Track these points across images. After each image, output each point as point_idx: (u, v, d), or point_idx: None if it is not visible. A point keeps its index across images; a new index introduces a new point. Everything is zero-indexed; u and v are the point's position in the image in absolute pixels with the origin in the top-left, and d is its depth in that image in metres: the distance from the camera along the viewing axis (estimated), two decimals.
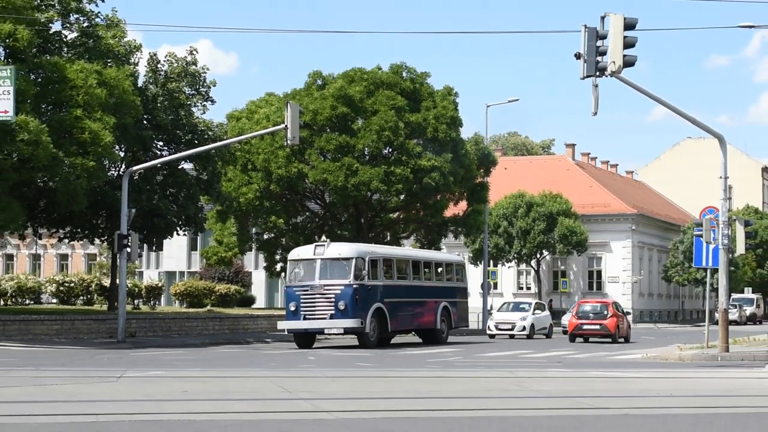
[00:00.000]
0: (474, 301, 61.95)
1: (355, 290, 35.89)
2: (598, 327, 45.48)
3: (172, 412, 13.74)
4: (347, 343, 38.89)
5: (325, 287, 35.99)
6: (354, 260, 36.37)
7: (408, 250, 48.61)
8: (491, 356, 32.45)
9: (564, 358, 31.10)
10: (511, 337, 49.06)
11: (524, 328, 49.10)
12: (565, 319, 53.58)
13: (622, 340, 45.85)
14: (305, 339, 37.45)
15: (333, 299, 35.70)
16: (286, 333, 38.56)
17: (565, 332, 50.71)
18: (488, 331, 50.87)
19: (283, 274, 65.88)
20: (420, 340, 42.54)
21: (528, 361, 29.64)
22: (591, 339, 45.84)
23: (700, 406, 16.05)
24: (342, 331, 36.79)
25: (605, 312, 46.02)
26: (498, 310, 53.80)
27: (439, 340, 41.71)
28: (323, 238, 44.43)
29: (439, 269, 45.13)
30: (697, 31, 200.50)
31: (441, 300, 42.57)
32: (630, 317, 58.53)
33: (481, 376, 21.87)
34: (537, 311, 51.78)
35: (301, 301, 36.24)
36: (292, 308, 36.70)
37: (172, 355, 29.36)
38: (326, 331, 37.29)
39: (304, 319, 36.22)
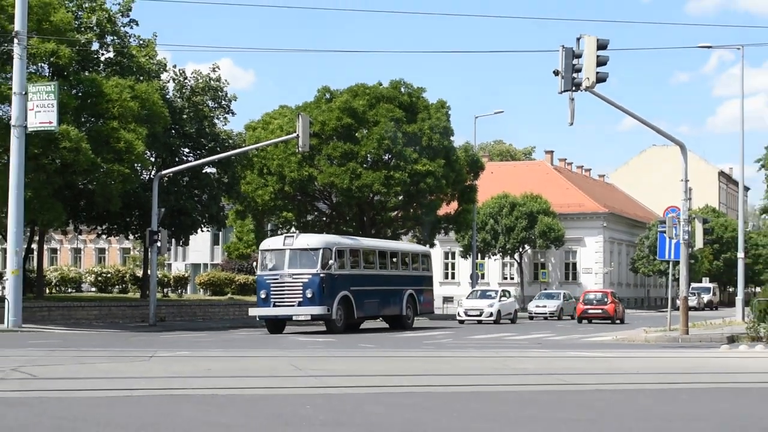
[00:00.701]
0: (465, 289, 61.93)
1: (321, 279, 34.18)
2: (600, 311, 50.97)
3: (197, 387, 13.78)
4: (316, 329, 36.95)
5: (294, 276, 34.32)
6: (321, 251, 34.58)
7: (376, 241, 45.42)
8: (478, 338, 32.43)
9: (543, 340, 31.12)
10: (479, 322, 47.44)
11: (491, 314, 47.73)
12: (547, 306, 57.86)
13: (618, 321, 50.16)
14: (275, 325, 35.58)
15: (301, 287, 34.11)
16: (257, 319, 36.38)
17: (531, 317, 55.43)
18: (457, 317, 49.41)
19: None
20: (386, 326, 40.75)
21: (511, 343, 29.63)
22: (594, 321, 49.96)
23: (663, 381, 16.08)
24: (309, 317, 34.71)
25: (605, 299, 51.78)
26: (467, 298, 51.64)
27: (404, 325, 39.98)
28: (292, 230, 41.11)
29: (406, 259, 43.03)
30: (661, 50, 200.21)
31: (407, 288, 40.91)
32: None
33: (469, 356, 21.88)
34: (503, 298, 50.44)
35: (271, 288, 34.56)
36: (263, 295, 34.95)
37: (197, 337, 29.53)
38: (294, 318, 34.91)
39: (274, 306, 34.48)
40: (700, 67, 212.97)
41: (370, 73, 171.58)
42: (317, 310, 34.11)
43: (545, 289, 78.07)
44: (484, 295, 51.29)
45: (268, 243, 37.33)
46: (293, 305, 34.13)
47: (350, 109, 53.38)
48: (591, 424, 10.62)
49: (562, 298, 58.41)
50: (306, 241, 35.27)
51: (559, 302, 57.69)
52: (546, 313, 56.67)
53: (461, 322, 48.27)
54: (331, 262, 34.63)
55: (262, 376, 15.68)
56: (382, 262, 40.36)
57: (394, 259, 41.58)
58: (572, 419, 10.98)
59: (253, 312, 35.96)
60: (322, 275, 34.10)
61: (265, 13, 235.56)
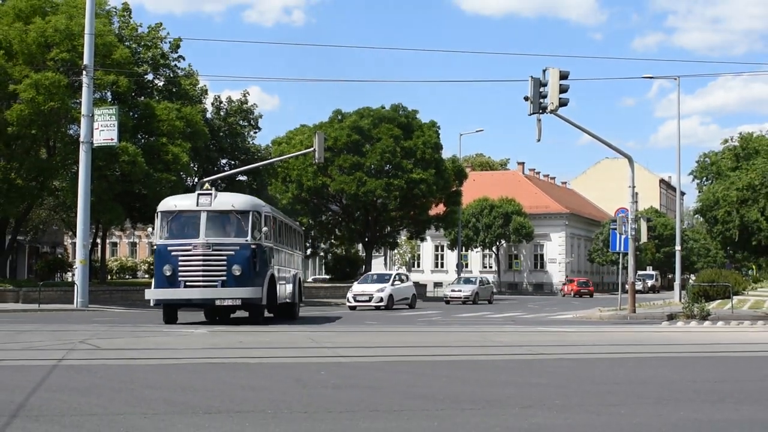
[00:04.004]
0: (452, 276, 61.80)
1: (253, 251, 21.71)
2: (586, 291, 70.51)
3: (231, 357, 13.75)
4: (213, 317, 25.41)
5: (215, 247, 21.41)
6: (250, 214, 21.96)
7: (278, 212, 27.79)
8: (462, 316, 32.35)
9: (516, 318, 31.04)
10: (377, 308, 37.79)
11: (381, 299, 38.13)
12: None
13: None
14: (174, 311, 22.88)
15: (225, 262, 21.39)
16: (151, 305, 22.94)
17: (447, 302, 49.26)
18: (347, 303, 38.97)
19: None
20: (271, 315, 25.91)
21: (490, 320, 29.57)
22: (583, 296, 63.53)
23: (614, 352, 16.03)
24: (239, 302, 21.89)
25: (589, 284, 70.96)
26: (358, 282, 41.22)
27: (292, 314, 27.06)
28: (206, 186, 26.06)
29: (296, 237, 29.98)
30: (612, 80, 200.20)
31: (296, 270, 28.31)
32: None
33: (454, 331, 21.84)
34: (397, 282, 40.71)
35: (181, 263, 21.32)
36: (167, 272, 21.33)
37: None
38: (218, 303, 21.70)
39: (185, 286, 21.35)
40: (643, 93, 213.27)
41: (374, 98, 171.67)
42: (249, 292, 21.66)
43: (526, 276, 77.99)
44: (378, 279, 41.00)
45: (173, 202, 22.88)
46: (214, 285, 21.40)
47: (358, 128, 53.46)
48: (556, 387, 10.58)
49: (478, 284, 52.18)
50: (230, 201, 22.54)
51: (475, 287, 51.14)
52: (462, 298, 49.71)
53: (352, 308, 38.05)
54: (264, 229, 22.41)
55: (285, 347, 15.64)
56: (288, 238, 27.43)
57: (292, 237, 28.84)
58: (541, 383, 10.94)
59: (152, 294, 22.12)
60: (253, 246, 21.75)
61: (288, 49, 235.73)
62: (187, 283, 21.44)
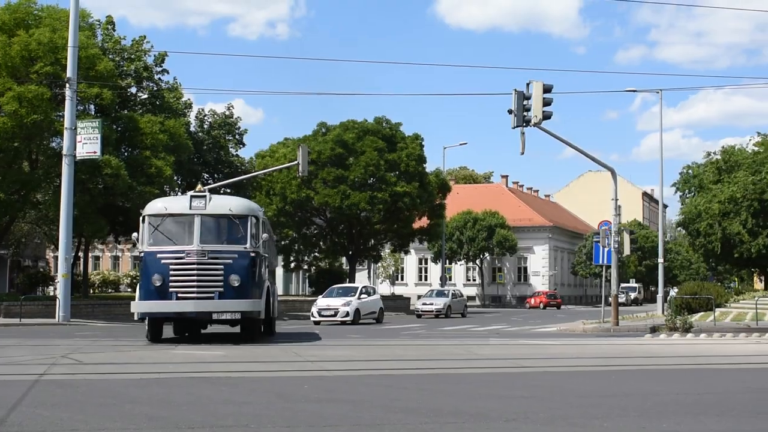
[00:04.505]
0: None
1: (252, 260, 19.55)
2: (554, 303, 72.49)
3: (213, 371, 13.68)
4: (214, 333, 23.73)
5: (211, 255, 19.13)
6: (249, 219, 19.76)
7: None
8: (446, 329, 32.34)
9: (500, 331, 31.06)
10: (342, 323, 35.58)
11: (347, 314, 35.96)
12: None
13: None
14: (160, 327, 20.58)
15: (222, 272, 19.15)
16: (135, 318, 20.34)
17: (419, 315, 48.00)
18: (311, 318, 36.68)
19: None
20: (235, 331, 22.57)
21: (473, 333, 29.56)
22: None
23: (598, 365, 16.06)
24: (238, 316, 19.46)
25: (556, 296, 74.47)
26: (323, 296, 38.87)
27: (271, 330, 23.86)
28: (199, 188, 21.75)
29: (273, 247, 26.56)
30: (595, 93, 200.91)
31: (273, 283, 23.99)
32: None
33: (438, 344, 21.82)
34: (363, 296, 38.38)
35: (172, 272, 19.01)
36: (157, 282, 18.99)
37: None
38: (216, 317, 19.36)
39: (178, 298, 19.02)
40: (626, 106, 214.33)
41: (358, 110, 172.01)
42: (248, 305, 19.46)
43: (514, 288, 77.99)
44: (343, 292, 38.50)
45: (162, 205, 20.52)
46: (211, 297, 19.12)
47: (342, 141, 53.45)
48: (539, 399, 10.58)
49: (451, 296, 50.25)
50: (227, 204, 20.25)
51: (447, 300, 49.29)
52: (434, 311, 47.98)
53: (316, 323, 35.78)
54: (264, 236, 20.41)
55: (267, 361, 15.58)
56: (267, 248, 22.50)
57: (271, 246, 25.08)
58: (525, 396, 10.94)
59: (139, 307, 19.58)
60: (252, 254, 19.61)
61: (272, 62, 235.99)
62: (180, 295, 18.98)
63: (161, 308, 19.33)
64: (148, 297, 19.28)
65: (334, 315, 36.00)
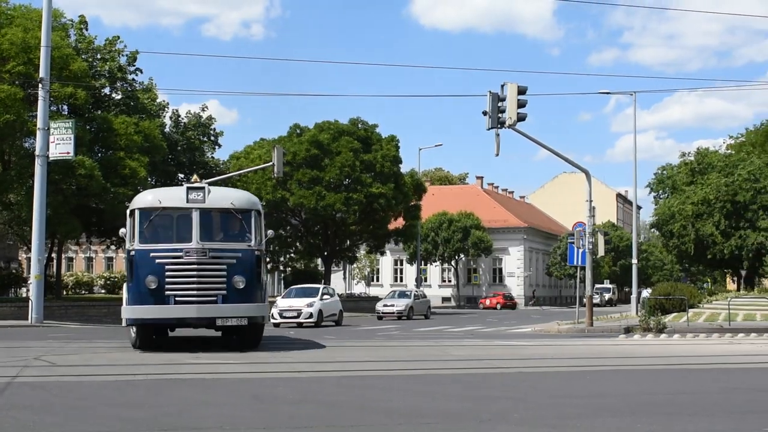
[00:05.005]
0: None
1: (257, 259, 17.65)
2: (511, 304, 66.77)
3: (187, 372, 13.62)
4: (203, 334, 21.10)
5: (213, 253, 17.05)
6: (252, 213, 17.82)
7: None
8: (421, 330, 32.33)
9: (475, 332, 31.11)
10: (299, 325, 33.64)
11: (311, 315, 34.06)
12: None
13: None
14: (152, 335, 18.36)
15: (224, 272, 17.11)
16: (124, 324, 18.11)
17: (380, 317, 45.16)
18: (272, 320, 33.71)
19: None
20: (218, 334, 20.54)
21: (449, 335, 29.57)
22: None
23: (572, 365, 16.13)
24: (245, 322, 17.37)
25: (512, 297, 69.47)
26: (282, 297, 36.83)
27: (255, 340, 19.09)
28: (195, 178, 20.40)
29: None
30: (569, 95, 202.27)
31: None
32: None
33: (414, 345, 21.84)
34: (326, 297, 36.54)
35: (169, 274, 16.82)
36: (151, 285, 16.75)
37: (190, 332, 29.06)
38: (220, 322, 17.30)
39: (176, 303, 16.85)
40: (600, 108, 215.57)
41: (333, 111, 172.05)
42: (255, 309, 17.56)
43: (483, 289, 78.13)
44: (303, 293, 36.48)
45: (153, 197, 18.08)
46: (213, 301, 17.05)
47: (317, 142, 53.38)
48: (515, 400, 10.61)
49: (413, 297, 47.97)
50: (228, 197, 18.16)
51: (409, 301, 47.00)
52: (395, 313, 45.45)
53: (276, 325, 33.59)
54: (268, 232, 18.91)
55: (241, 362, 15.53)
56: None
57: None
58: (500, 397, 10.97)
59: (131, 313, 17.26)
60: (257, 253, 17.70)
61: (247, 63, 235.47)
62: (178, 299, 16.82)
63: (158, 314, 17.00)
64: (141, 301, 16.94)
65: (297, 316, 34.08)
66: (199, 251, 16.98)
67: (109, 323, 34.63)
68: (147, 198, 17.95)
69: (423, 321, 43.16)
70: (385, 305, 46.91)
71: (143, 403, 10.07)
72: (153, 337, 18.39)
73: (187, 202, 17.39)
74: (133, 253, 17.15)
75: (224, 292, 17.06)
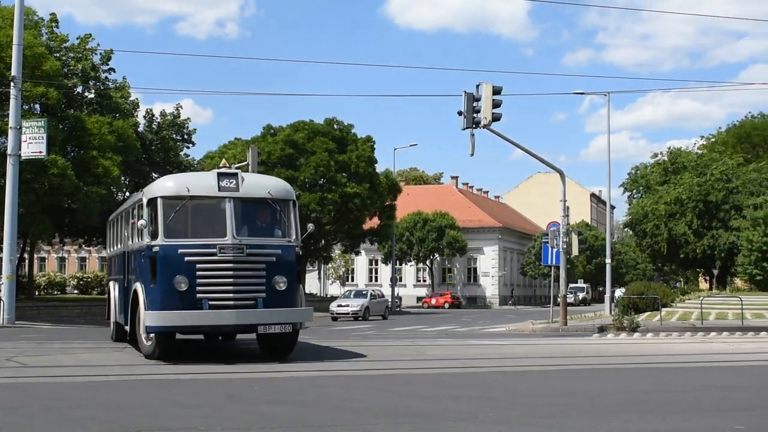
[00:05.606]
0: (386, 290, 61.87)
1: (297, 257, 15.64)
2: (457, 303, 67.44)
3: (162, 373, 13.54)
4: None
5: (251, 250, 14.82)
6: (290, 204, 15.91)
7: None
8: (396, 330, 32.35)
9: (450, 332, 31.15)
10: (355, 318, 33.22)
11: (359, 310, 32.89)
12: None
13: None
14: (175, 344, 15.86)
15: (264, 272, 14.90)
16: (144, 333, 15.09)
17: (334, 318, 42.94)
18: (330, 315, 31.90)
19: None
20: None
21: (423, 334, 29.58)
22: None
23: (547, 364, 16.20)
24: (290, 328, 15.04)
25: (458, 296, 69.13)
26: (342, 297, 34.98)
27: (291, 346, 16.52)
28: (223, 162, 17.19)
29: None
30: (544, 95, 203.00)
31: None
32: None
33: (388, 345, 21.85)
34: (374, 298, 36.25)
35: (200, 274, 14.50)
36: (181, 287, 14.36)
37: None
38: (262, 330, 14.78)
39: (211, 307, 14.41)
40: (575, 108, 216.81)
41: (308, 111, 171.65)
42: (300, 314, 15.51)
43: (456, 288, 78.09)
44: (356, 294, 35.30)
45: (176, 184, 15.54)
46: (252, 305, 14.72)
47: (292, 142, 53.32)
48: (489, 399, 10.65)
49: (369, 297, 46.29)
50: (264, 185, 15.99)
51: (365, 301, 45.27)
52: (350, 313, 43.68)
53: (334, 319, 34.35)
54: (311, 227, 17.57)
55: (215, 362, 15.47)
56: None
57: None
58: (474, 396, 11.00)
59: (156, 319, 14.43)
60: (297, 250, 15.69)
61: (222, 62, 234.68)
62: (213, 303, 14.50)
63: (190, 321, 14.59)
64: (169, 305, 14.46)
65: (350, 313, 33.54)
66: (235, 248, 14.75)
67: (82, 324, 34.40)
68: (170, 185, 15.52)
69: (383, 322, 41.20)
70: (339, 305, 44.95)
71: (117, 403, 10.02)
72: (177, 345, 16.07)
73: (219, 190, 15.14)
74: (156, 249, 14.66)
75: (264, 294, 14.88)
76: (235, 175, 15.38)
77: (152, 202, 15.13)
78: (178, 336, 16.30)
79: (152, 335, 14.99)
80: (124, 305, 17.27)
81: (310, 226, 17.22)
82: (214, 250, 14.62)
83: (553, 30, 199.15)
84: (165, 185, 15.54)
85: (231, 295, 14.61)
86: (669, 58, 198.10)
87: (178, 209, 14.97)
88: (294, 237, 15.57)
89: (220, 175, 15.28)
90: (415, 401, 10.43)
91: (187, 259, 14.53)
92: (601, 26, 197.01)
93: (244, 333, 16.11)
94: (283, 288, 15.00)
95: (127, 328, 16.88)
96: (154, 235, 14.83)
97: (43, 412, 9.29)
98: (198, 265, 14.53)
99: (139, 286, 15.13)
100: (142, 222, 14.95)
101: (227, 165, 16.32)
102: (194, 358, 16.04)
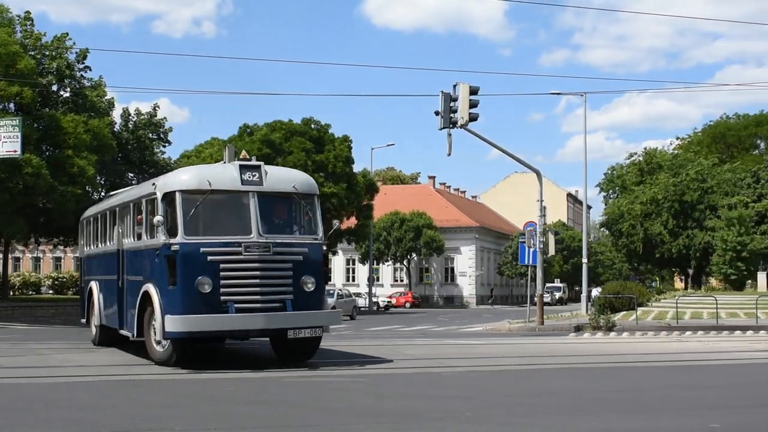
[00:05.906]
0: (363, 289, 61.84)
1: (324, 256, 15.31)
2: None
3: (139, 374, 13.49)
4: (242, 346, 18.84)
5: (278, 249, 13.92)
6: (315, 199, 15.03)
7: None
8: (373, 330, 32.37)
9: (427, 331, 31.19)
10: None
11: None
12: None
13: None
14: (194, 348, 14.20)
15: (291, 272, 14.01)
16: (162, 338, 13.84)
17: None
18: None
19: None
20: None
21: (401, 334, 29.61)
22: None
23: (523, 364, 16.25)
24: (320, 333, 14.45)
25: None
26: None
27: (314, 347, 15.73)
28: (243, 152, 15.65)
29: None
30: (520, 95, 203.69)
31: None
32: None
33: (365, 345, 21.86)
34: (340, 297, 34.76)
35: (224, 275, 13.46)
36: (204, 288, 13.29)
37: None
38: (291, 335, 13.88)
39: (237, 311, 13.34)
40: (551, 109, 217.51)
41: (285, 111, 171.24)
42: (329, 317, 15.19)
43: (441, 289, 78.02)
44: None
45: (199, 178, 14.33)
46: (280, 308, 13.84)
47: (269, 141, 53.22)
48: (466, 399, 10.69)
49: (336, 297, 44.42)
50: (289, 179, 15.10)
51: (332, 300, 42.40)
52: None
53: None
54: (336, 223, 17.36)
55: (195, 362, 15.42)
56: None
57: None
58: (451, 396, 11.03)
59: (178, 324, 13.31)
60: (324, 248, 15.08)
61: (198, 61, 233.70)
62: (239, 306, 13.46)
63: (216, 325, 13.52)
64: (192, 309, 13.32)
65: None
66: (261, 246, 13.75)
67: (57, 324, 34.20)
68: (190, 178, 14.32)
69: (355, 322, 40.57)
70: None
71: (93, 404, 9.98)
72: (198, 351, 14.66)
73: (242, 183, 14.13)
74: (176, 248, 13.54)
75: (291, 296, 13.94)
76: (258, 167, 14.49)
77: (169, 196, 14.02)
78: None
79: (167, 340, 13.84)
80: (120, 308, 16.14)
81: (336, 223, 16.49)
82: (239, 248, 13.64)
83: (530, 30, 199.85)
84: (183, 178, 14.39)
85: (258, 297, 13.67)
86: (645, 59, 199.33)
87: (199, 204, 13.88)
88: (320, 234, 14.76)
89: (243, 168, 14.35)
90: (392, 401, 10.45)
91: (210, 258, 13.49)
92: (578, 27, 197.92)
93: (270, 337, 15.18)
94: (311, 289, 14.18)
95: (123, 331, 15.95)
96: (171, 233, 13.72)
97: (19, 414, 9.24)
98: (222, 265, 13.51)
99: (152, 288, 13.89)
100: (159, 218, 13.75)
101: (247, 156, 15.23)
102: (194, 358, 15.71)
